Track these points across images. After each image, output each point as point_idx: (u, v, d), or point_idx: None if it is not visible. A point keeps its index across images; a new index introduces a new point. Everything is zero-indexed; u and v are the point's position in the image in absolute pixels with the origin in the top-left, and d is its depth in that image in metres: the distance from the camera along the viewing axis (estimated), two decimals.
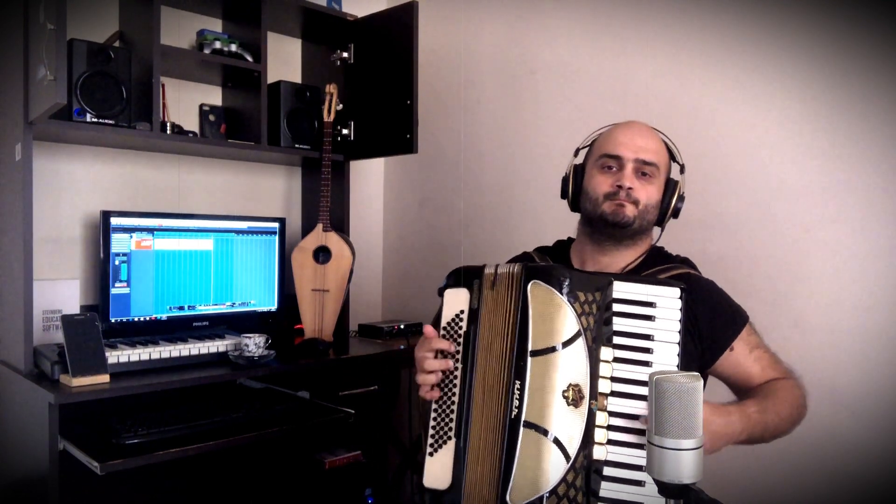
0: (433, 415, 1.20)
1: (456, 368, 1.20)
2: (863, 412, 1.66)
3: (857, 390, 1.66)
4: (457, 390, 1.19)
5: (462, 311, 1.22)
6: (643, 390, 1.10)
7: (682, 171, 1.40)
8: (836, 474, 1.68)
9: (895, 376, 1.62)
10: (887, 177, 1.63)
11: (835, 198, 1.71)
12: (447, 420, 1.19)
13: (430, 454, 1.18)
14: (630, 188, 1.31)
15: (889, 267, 1.63)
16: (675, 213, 1.38)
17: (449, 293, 1.24)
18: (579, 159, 1.45)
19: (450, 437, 1.18)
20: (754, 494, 1.79)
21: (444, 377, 1.21)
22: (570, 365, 1.12)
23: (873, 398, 1.64)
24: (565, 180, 1.43)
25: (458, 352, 1.21)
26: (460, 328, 1.21)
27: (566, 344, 1.12)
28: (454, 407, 1.19)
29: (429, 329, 1.23)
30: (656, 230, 1.42)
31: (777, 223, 1.79)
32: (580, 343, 1.12)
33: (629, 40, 2.09)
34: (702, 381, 0.87)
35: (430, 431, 1.20)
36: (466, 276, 1.22)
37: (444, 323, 1.23)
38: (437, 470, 1.17)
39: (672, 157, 1.41)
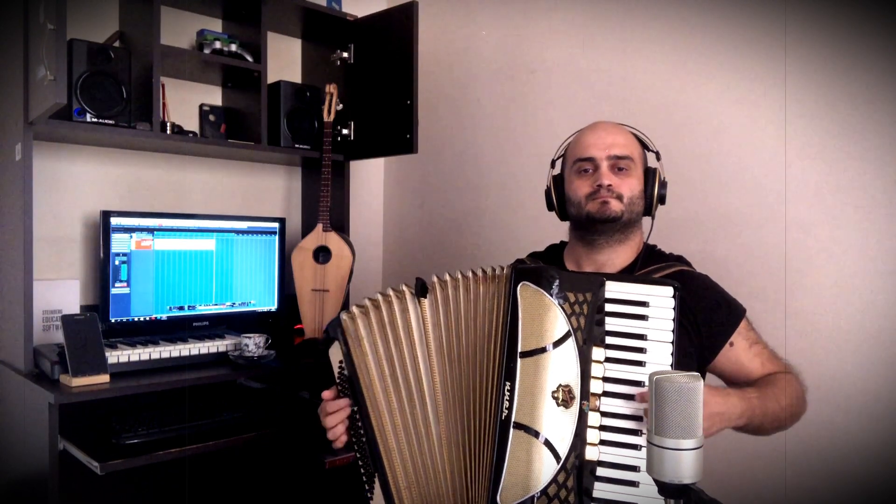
0: (360, 462, 1.25)
1: (355, 412, 1.24)
2: (863, 412, 1.66)
3: (857, 390, 1.66)
4: (363, 430, 1.23)
5: (341, 362, 1.26)
6: (636, 390, 1.10)
7: (658, 158, 1.43)
8: (836, 474, 1.68)
9: (895, 376, 1.62)
10: (888, 177, 1.63)
11: (835, 198, 1.71)
12: (367, 459, 1.23)
13: (371, 498, 1.23)
14: (609, 185, 1.33)
15: (890, 267, 1.63)
16: (662, 200, 1.40)
17: (330, 354, 1.29)
18: (556, 170, 1.47)
19: (373, 473, 1.22)
20: (754, 494, 1.79)
21: (350, 424, 1.26)
22: (560, 365, 1.12)
23: (873, 398, 1.64)
24: (548, 192, 1.46)
25: (348, 396, 1.26)
26: (345, 376, 1.26)
27: (556, 344, 1.13)
28: (366, 445, 1.23)
29: (325, 393, 1.29)
30: (647, 226, 1.43)
31: (777, 223, 1.79)
32: (570, 343, 1.13)
33: (629, 41, 2.09)
34: (702, 382, 0.87)
35: (364, 479, 1.24)
36: (332, 331, 1.28)
37: (336, 379, 1.28)
38: None
39: (645, 146, 1.42)
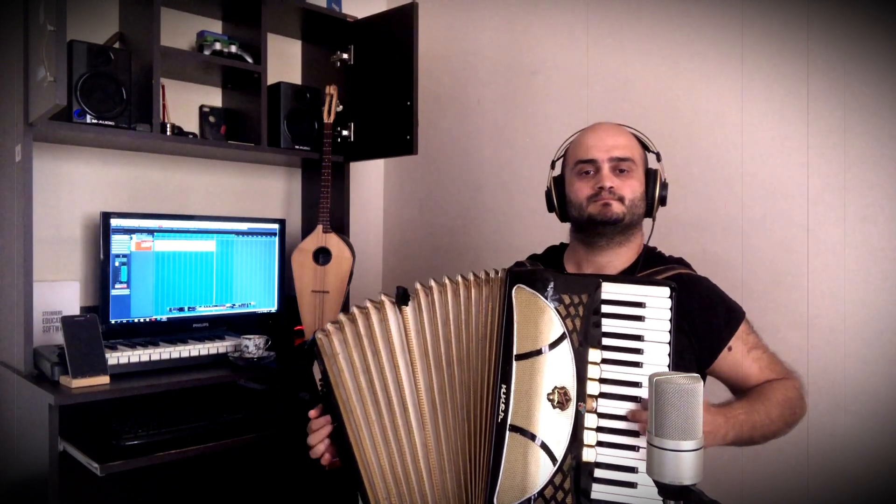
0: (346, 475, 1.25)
1: (336, 427, 1.25)
2: (863, 412, 1.66)
3: (857, 390, 1.66)
4: (342, 446, 1.24)
5: (320, 379, 1.27)
6: (633, 391, 1.10)
7: (658, 158, 1.42)
8: (836, 474, 1.68)
9: (895, 376, 1.62)
10: (888, 177, 1.63)
11: (835, 198, 1.71)
12: (350, 473, 1.24)
13: None
14: (611, 187, 1.33)
15: (890, 267, 1.63)
16: (662, 201, 1.40)
17: (313, 372, 1.29)
18: (557, 171, 1.47)
19: (357, 486, 1.22)
20: (754, 494, 1.79)
21: (334, 439, 1.26)
22: (556, 368, 1.12)
23: (873, 398, 1.64)
24: (548, 194, 1.46)
25: (329, 413, 1.26)
26: (324, 393, 1.27)
27: (552, 346, 1.13)
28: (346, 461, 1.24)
29: (311, 412, 1.30)
30: (647, 228, 1.43)
31: (777, 223, 1.79)
32: (566, 346, 1.13)
33: (629, 41, 2.09)
34: (702, 383, 0.87)
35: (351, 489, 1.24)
36: (311, 351, 1.29)
37: (321, 395, 1.29)
38: None
39: (645, 147, 1.42)
